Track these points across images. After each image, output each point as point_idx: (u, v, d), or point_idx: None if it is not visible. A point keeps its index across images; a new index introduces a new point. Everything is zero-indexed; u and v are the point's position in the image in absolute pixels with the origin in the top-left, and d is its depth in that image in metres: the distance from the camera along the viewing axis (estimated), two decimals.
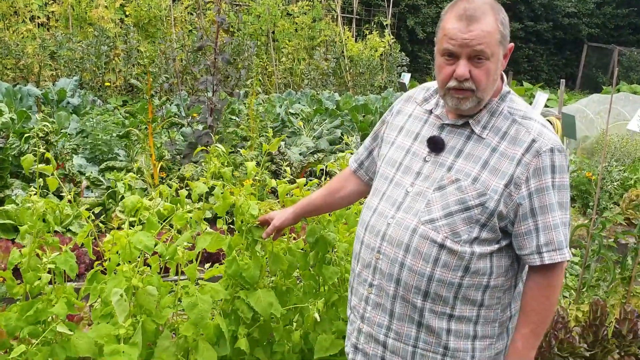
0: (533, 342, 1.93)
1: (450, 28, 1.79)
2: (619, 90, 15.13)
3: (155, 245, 2.27)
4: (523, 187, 1.82)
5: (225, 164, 2.62)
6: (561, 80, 12.29)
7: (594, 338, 3.80)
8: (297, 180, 2.59)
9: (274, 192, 5.19)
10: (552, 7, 22.67)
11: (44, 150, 2.27)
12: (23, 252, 2.23)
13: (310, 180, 2.83)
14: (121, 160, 6.30)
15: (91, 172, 5.87)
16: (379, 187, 2.06)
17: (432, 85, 2.09)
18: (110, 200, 5.32)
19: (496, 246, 1.89)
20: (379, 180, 2.08)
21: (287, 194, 2.63)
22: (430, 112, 2.02)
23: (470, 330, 1.93)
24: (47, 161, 2.41)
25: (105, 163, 5.94)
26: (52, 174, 2.34)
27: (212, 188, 2.51)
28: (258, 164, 2.47)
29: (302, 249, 2.68)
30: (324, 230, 2.57)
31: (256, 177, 2.54)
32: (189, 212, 2.41)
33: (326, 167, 3.01)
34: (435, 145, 1.94)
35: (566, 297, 4.39)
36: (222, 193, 2.45)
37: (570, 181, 7.60)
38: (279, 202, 2.69)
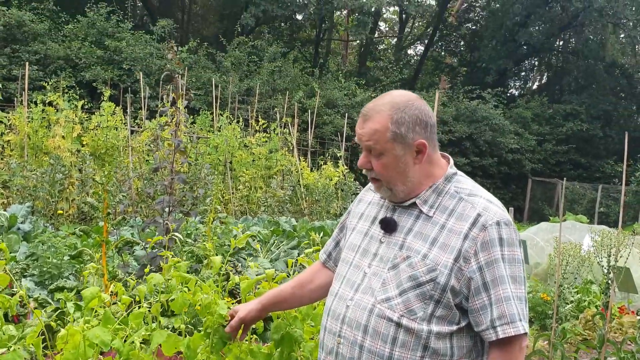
0: None
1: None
2: (565, 220, 15.67)
3: (112, 340, 2.17)
4: (472, 260, 1.85)
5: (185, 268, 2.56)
6: (510, 208, 12.72)
7: None
8: (266, 271, 2.54)
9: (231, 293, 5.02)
10: (496, 143, 23.88)
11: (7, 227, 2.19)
12: None
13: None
14: (72, 282, 6.08)
15: (39, 294, 5.63)
16: (340, 271, 2.09)
17: None
18: (58, 322, 5.07)
19: (455, 327, 1.87)
20: (340, 264, 2.11)
21: (249, 292, 2.57)
22: None
23: None
24: None
25: (55, 283, 5.73)
26: (4, 270, 2.25)
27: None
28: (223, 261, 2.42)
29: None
30: (290, 327, 2.49)
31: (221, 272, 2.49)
32: (148, 308, 2.32)
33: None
34: (387, 225, 2.00)
35: None
36: (187, 290, 2.38)
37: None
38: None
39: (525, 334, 1.85)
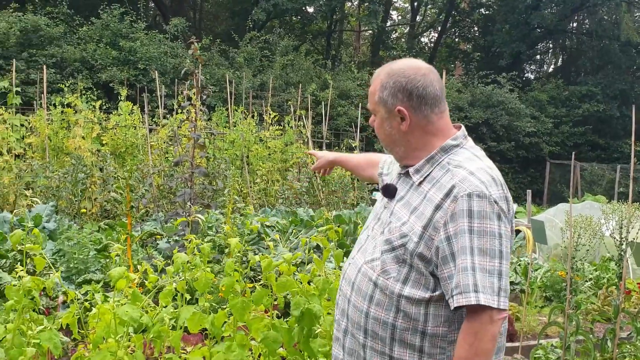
0: None
1: None
2: (584, 200, 15.64)
3: (141, 317, 2.30)
4: (442, 230, 1.90)
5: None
6: (528, 190, 12.73)
7: None
8: (284, 256, 2.67)
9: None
10: (513, 127, 23.75)
11: (32, 226, 2.33)
12: (8, 327, 2.23)
13: None
14: (99, 275, 6.26)
15: (68, 288, 5.81)
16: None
17: None
18: (87, 314, 5.25)
19: (430, 294, 1.93)
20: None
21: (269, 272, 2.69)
22: None
23: None
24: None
25: (82, 277, 5.91)
26: (40, 254, 2.39)
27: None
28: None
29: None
30: (309, 303, 2.61)
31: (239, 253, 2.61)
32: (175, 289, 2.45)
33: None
34: (386, 191, 2.15)
35: None
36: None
37: (545, 281, 7.63)
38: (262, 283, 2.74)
39: (492, 307, 1.82)
